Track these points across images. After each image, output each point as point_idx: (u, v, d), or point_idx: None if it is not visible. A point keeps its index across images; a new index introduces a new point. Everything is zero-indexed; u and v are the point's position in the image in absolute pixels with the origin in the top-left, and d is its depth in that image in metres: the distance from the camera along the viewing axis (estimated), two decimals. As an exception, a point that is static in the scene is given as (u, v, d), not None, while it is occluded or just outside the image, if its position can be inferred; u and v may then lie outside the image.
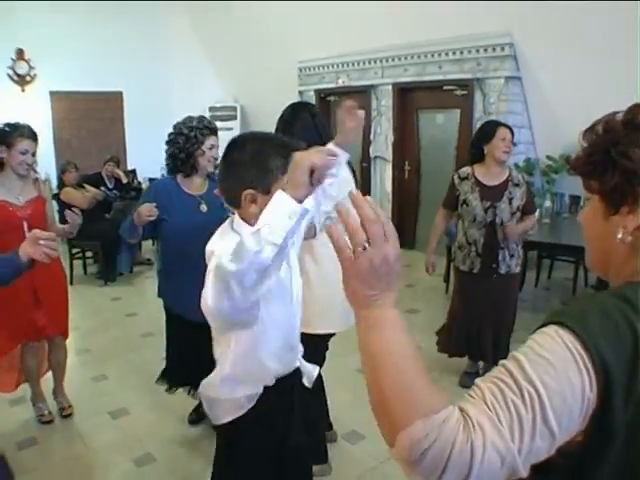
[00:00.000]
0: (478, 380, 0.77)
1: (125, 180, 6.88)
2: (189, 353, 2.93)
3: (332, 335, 2.77)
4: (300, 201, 1.22)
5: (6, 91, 8.10)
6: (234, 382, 1.67)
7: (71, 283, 5.89)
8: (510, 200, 3.37)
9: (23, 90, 8.33)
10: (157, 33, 9.06)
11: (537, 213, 3.86)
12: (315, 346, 2.33)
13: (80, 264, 6.35)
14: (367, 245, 0.78)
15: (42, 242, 1.94)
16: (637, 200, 0.82)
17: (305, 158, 1.23)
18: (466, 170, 3.48)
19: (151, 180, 7.58)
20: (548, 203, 5.52)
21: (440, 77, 6.32)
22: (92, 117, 8.95)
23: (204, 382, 1.77)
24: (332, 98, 8.06)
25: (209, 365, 2.89)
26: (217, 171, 3.00)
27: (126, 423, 3.34)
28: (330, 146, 1.82)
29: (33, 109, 8.08)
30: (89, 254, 6.44)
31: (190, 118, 2.87)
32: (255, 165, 1.49)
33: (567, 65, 5.24)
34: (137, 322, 4.94)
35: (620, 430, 0.75)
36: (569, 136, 4.79)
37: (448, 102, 6.46)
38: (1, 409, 3.45)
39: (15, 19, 7.85)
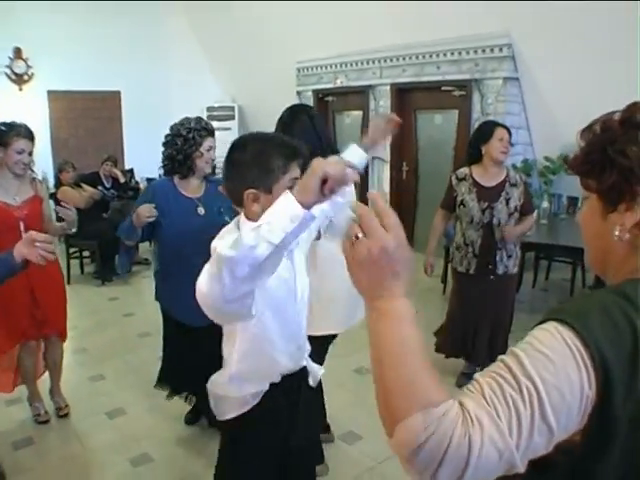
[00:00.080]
0: (477, 375, 0.77)
1: (122, 180, 6.86)
2: (186, 356, 2.93)
3: (334, 336, 2.78)
4: (307, 207, 1.20)
5: (3, 90, 8.09)
6: (240, 380, 1.70)
7: (68, 283, 5.87)
8: (507, 201, 3.38)
9: (21, 89, 8.32)
10: (155, 33, 9.05)
11: (535, 214, 3.87)
12: (316, 347, 2.35)
13: (77, 264, 6.33)
14: (361, 236, 0.81)
15: (38, 244, 1.93)
16: (635, 198, 0.82)
17: (320, 166, 1.19)
18: (464, 171, 3.48)
19: (149, 180, 7.59)
20: (546, 204, 5.52)
21: (438, 78, 6.32)
22: (90, 116, 8.94)
23: (212, 379, 1.79)
24: (330, 98, 8.07)
25: (207, 368, 2.89)
26: (215, 173, 3.01)
27: (123, 423, 3.33)
28: (351, 152, 1.93)
29: (30, 108, 8.06)
30: (86, 254, 6.43)
31: (187, 119, 2.85)
32: (257, 165, 1.51)
33: (565, 66, 5.25)
34: (134, 322, 4.93)
35: (621, 429, 0.75)
36: (567, 137, 4.80)
37: (446, 103, 6.46)
38: (-3, 409, 3.44)
39: (13, 18, 7.84)
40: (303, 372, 1.85)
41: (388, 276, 0.81)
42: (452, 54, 6.10)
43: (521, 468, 0.73)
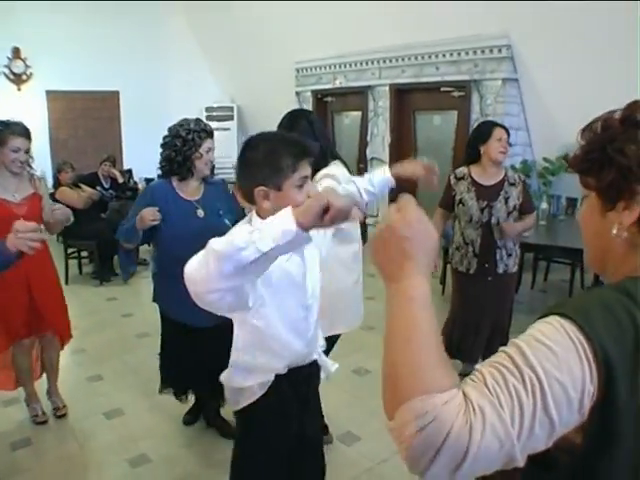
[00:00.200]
0: (478, 366, 0.77)
1: (121, 180, 6.86)
2: (186, 357, 2.92)
3: (338, 337, 2.80)
4: (304, 228, 1.21)
5: (2, 90, 8.10)
6: (243, 370, 1.77)
7: (66, 283, 5.87)
8: (506, 200, 3.38)
9: (19, 89, 8.32)
10: (154, 33, 9.05)
11: (533, 215, 3.86)
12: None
13: (75, 264, 6.32)
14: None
15: (20, 235, 1.90)
16: (633, 196, 0.82)
17: (327, 194, 1.23)
18: (462, 170, 3.48)
19: (147, 180, 7.57)
20: (544, 205, 5.52)
21: (437, 78, 6.33)
22: (88, 117, 8.94)
23: (225, 370, 1.85)
24: (329, 99, 8.07)
25: (207, 368, 2.89)
26: (214, 174, 3.00)
27: (121, 423, 3.32)
28: (379, 172, 2.10)
29: (29, 108, 8.06)
30: (84, 254, 6.42)
31: (186, 120, 2.82)
32: (267, 164, 1.56)
33: (564, 67, 5.25)
34: (133, 322, 4.92)
35: (624, 426, 0.74)
36: (566, 138, 4.81)
37: (445, 103, 6.47)
38: (-5, 409, 3.44)
39: (11, 18, 7.84)
40: (313, 366, 1.89)
41: (397, 255, 0.83)
42: (451, 55, 6.11)
43: (520, 462, 0.72)
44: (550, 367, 0.71)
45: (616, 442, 0.75)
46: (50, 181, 6.28)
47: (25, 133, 2.97)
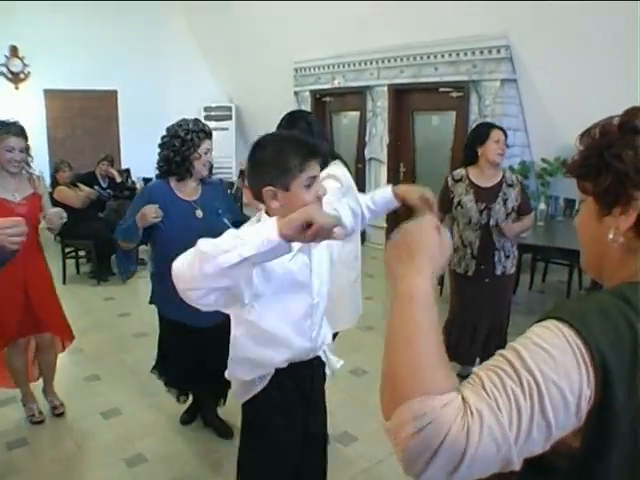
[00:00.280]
0: (476, 369, 0.77)
1: (119, 179, 6.85)
2: (184, 357, 2.91)
3: (336, 334, 2.80)
4: (286, 239, 1.27)
5: None
6: (240, 364, 1.81)
7: (64, 282, 5.87)
8: (505, 201, 3.37)
9: (17, 88, 8.30)
10: (153, 32, 9.04)
11: (531, 216, 3.86)
12: None
13: (73, 263, 6.32)
14: None
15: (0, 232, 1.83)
16: (629, 201, 0.83)
17: (312, 210, 1.29)
18: (460, 172, 3.47)
19: (145, 180, 7.57)
20: (543, 206, 5.52)
21: (436, 79, 6.33)
22: (86, 116, 8.93)
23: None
24: (328, 99, 8.07)
25: (206, 368, 2.89)
26: (212, 175, 2.99)
27: (118, 423, 3.32)
28: (382, 191, 2.08)
29: (27, 107, 8.04)
30: (82, 253, 6.41)
31: (185, 121, 2.80)
32: (275, 164, 1.58)
33: (563, 68, 5.25)
34: (130, 322, 4.92)
35: (621, 430, 0.74)
36: (564, 139, 4.81)
37: (444, 104, 6.47)
38: (-9, 409, 3.43)
39: (9, 16, 7.82)
40: (316, 362, 1.90)
41: (405, 255, 0.87)
42: (450, 55, 6.11)
43: (517, 465, 0.72)
44: (548, 370, 0.71)
45: (613, 446, 0.75)
46: (48, 180, 6.26)
47: (19, 133, 2.95)
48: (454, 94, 6.28)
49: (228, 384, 2.88)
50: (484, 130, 3.42)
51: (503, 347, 0.78)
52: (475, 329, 3.52)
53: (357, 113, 7.64)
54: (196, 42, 9.54)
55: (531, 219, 3.60)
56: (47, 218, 3.06)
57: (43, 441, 3.15)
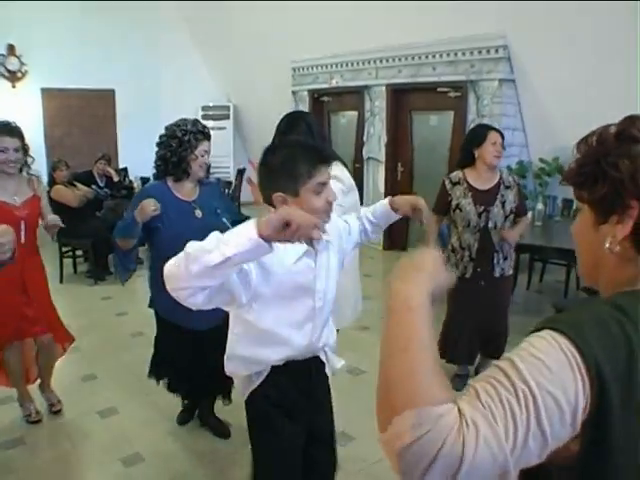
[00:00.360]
0: (472, 381, 0.77)
1: (116, 178, 6.84)
2: (184, 359, 2.90)
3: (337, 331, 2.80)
4: (265, 239, 1.30)
5: (-4, 87, 8.06)
6: (236, 361, 1.84)
7: (61, 282, 5.86)
8: (503, 204, 3.36)
9: (14, 86, 8.28)
10: (151, 31, 9.03)
11: (529, 215, 3.86)
12: None
13: (70, 263, 6.30)
14: None
15: None
16: (625, 210, 0.82)
17: (290, 210, 1.36)
18: (457, 174, 3.45)
19: (142, 179, 7.56)
20: (540, 206, 5.52)
21: (434, 79, 6.33)
22: (84, 115, 8.91)
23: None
24: (326, 98, 8.07)
25: (204, 369, 2.87)
26: (209, 175, 2.97)
27: (115, 423, 3.31)
28: (381, 204, 2.07)
29: (24, 106, 8.03)
30: (79, 253, 6.40)
31: (184, 121, 2.77)
32: (284, 171, 1.62)
33: (561, 68, 5.25)
34: (127, 321, 4.91)
35: (618, 442, 0.74)
36: (562, 139, 4.81)
37: (442, 104, 6.47)
38: (-12, 408, 3.42)
39: (6, 15, 7.80)
40: (314, 361, 1.91)
41: (404, 272, 0.89)
42: (448, 55, 6.11)
43: (514, 476, 0.72)
44: (543, 381, 0.71)
45: (609, 456, 0.75)
46: (45, 179, 6.25)
47: (10, 132, 2.90)
48: (452, 94, 6.27)
49: (230, 383, 2.89)
50: (481, 132, 3.40)
51: (504, 347, 0.78)
52: (472, 330, 3.51)
53: (355, 113, 7.64)
54: (194, 41, 9.53)
55: (527, 220, 3.60)
56: (47, 227, 3.07)
57: (40, 441, 3.15)
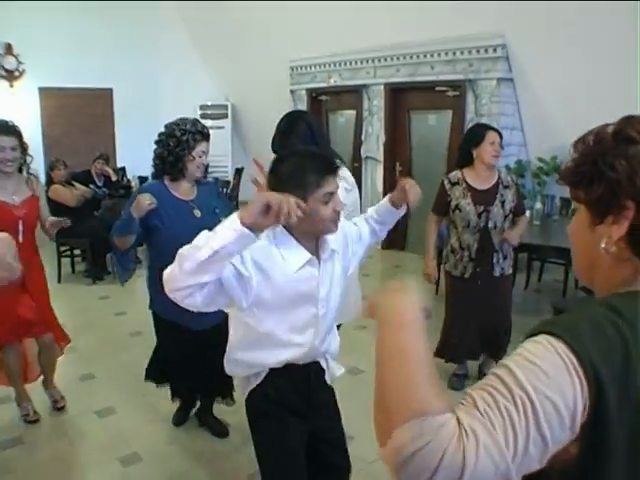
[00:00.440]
0: (469, 389, 0.77)
1: (114, 178, 6.82)
2: (184, 358, 2.89)
3: (339, 326, 2.80)
4: (249, 227, 1.38)
5: (-6, 87, 8.04)
6: (233, 363, 1.88)
7: (59, 281, 5.85)
8: (502, 203, 3.36)
9: (11, 86, 8.26)
10: (149, 31, 9.02)
11: (528, 214, 3.86)
12: None
13: (68, 262, 6.29)
14: None
15: None
16: (621, 211, 0.82)
17: (266, 194, 1.42)
18: (456, 175, 3.43)
19: (140, 178, 7.55)
20: (539, 205, 5.52)
21: (432, 78, 6.32)
22: (81, 114, 8.89)
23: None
24: (324, 97, 8.06)
25: (205, 369, 2.86)
26: (207, 176, 2.96)
27: (113, 422, 3.30)
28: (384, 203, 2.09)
29: (21, 105, 8.01)
30: (77, 252, 6.39)
31: (184, 120, 2.74)
32: (293, 180, 1.65)
33: (559, 67, 5.25)
34: (125, 321, 4.90)
35: (617, 442, 0.74)
36: (560, 138, 4.81)
37: (440, 103, 6.47)
38: (-15, 408, 3.41)
39: (3, 13, 7.78)
40: (313, 366, 1.91)
41: (390, 296, 0.90)
42: (446, 54, 6.10)
43: None
44: (541, 386, 0.71)
45: (607, 458, 0.75)
46: (42, 178, 6.23)
47: (9, 130, 2.90)
48: (450, 93, 6.27)
49: (232, 383, 2.89)
50: (479, 132, 3.40)
51: (506, 348, 0.77)
52: (473, 331, 3.50)
53: (353, 112, 7.63)
54: (192, 40, 9.52)
55: (526, 220, 3.60)
56: (51, 225, 3.07)
57: (38, 440, 3.14)
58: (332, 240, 1.81)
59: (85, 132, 8.87)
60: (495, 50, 5.65)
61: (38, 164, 7.35)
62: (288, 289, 1.71)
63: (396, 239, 7.05)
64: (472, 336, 3.52)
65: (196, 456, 2.99)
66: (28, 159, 3.05)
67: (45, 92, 8.49)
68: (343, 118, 8.04)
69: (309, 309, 1.80)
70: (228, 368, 1.91)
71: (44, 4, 7.87)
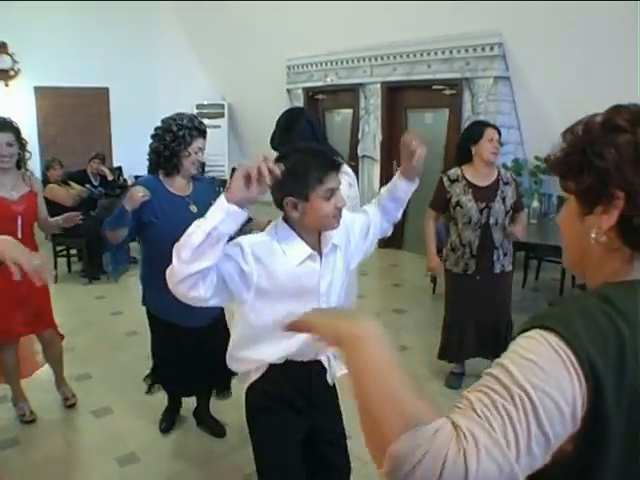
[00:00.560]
0: (465, 392, 0.75)
1: (110, 177, 6.81)
2: (180, 357, 2.87)
3: None
4: (238, 204, 1.46)
5: (-11, 86, 8.01)
6: (234, 360, 1.90)
7: (55, 281, 5.83)
8: (503, 199, 3.35)
9: (7, 85, 8.24)
10: (145, 30, 9.00)
11: (525, 212, 3.86)
12: None
13: (64, 262, 6.28)
14: None
15: None
16: (611, 200, 0.81)
17: (242, 166, 1.47)
18: (455, 172, 3.43)
19: (137, 178, 7.51)
20: (536, 204, 5.53)
21: (429, 76, 6.32)
22: (77, 113, 8.87)
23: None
24: (320, 96, 8.05)
25: (201, 367, 2.85)
26: (203, 172, 2.94)
27: (110, 422, 3.29)
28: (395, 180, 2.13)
29: (17, 105, 7.99)
30: (73, 252, 6.38)
31: (181, 116, 2.71)
32: (295, 176, 1.65)
33: (556, 65, 5.26)
34: (122, 321, 4.89)
35: (615, 432, 0.73)
36: (557, 137, 4.80)
37: (437, 101, 6.47)
38: (-19, 409, 3.39)
39: (-1, 12, 7.76)
40: (314, 364, 1.91)
41: (344, 316, 0.91)
42: (443, 53, 6.10)
43: None
44: (538, 382, 0.70)
45: (605, 453, 0.74)
46: (38, 177, 6.22)
47: (4, 126, 2.89)
48: (447, 92, 6.27)
49: (229, 378, 2.88)
50: (478, 129, 3.39)
51: (509, 342, 0.76)
52: (472, 327, 3.50)
53: (350, 111, 7.63)
54: (188, 39, 9.50)
55: (525, 216, 3.62)
56: (45, 225, 3.07)
57: (34, 441, 3.12)
58: (334, 235, 1.81)
59: (81, 132, 8.85)
60: (492, 49, 5.65)
61: (34, 164, 7.28)
62: (290, 283, 1.73)
63: (393, 238, 7.04)
64: (473, 334, 3.52)
65: (193, 456, 2.98)
66: (27, 155, 3.04)
67: (41, 91, 8.46)
68: (340, 117, 8.04)
69: (311, 303, 1.78)
70: (230, 364, 1.93)
71: (39, 3, 7.85)
